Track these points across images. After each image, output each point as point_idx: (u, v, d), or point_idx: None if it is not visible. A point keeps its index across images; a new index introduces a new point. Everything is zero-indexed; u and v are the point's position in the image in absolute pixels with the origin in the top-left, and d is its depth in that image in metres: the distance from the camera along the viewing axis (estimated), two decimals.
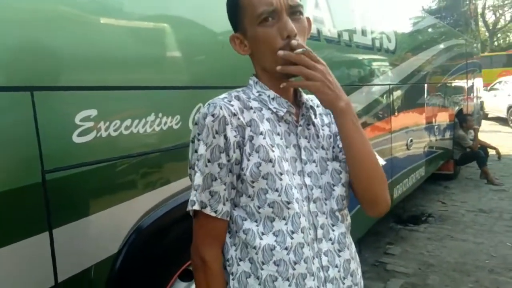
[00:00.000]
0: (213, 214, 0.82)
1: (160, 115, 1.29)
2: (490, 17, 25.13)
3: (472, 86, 6.47)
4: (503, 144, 6.74)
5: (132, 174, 1.26)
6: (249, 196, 0.82)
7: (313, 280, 0.82)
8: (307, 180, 0.85)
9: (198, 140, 0.80)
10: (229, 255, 0.86)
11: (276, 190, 0.80)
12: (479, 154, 5.42)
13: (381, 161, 0.93)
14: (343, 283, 0.86)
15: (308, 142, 0.87)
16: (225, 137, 0.79)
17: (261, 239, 0.81)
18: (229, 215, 0.84)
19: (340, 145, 0.88)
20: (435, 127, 4.58)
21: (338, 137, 0.87)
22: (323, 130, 0.90)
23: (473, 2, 7.26)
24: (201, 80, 1.47)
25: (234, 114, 0.80)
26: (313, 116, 0.89)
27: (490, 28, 24.50)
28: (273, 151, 0.80)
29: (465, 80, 6.00)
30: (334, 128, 0.91)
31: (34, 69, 1.01)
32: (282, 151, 0.83)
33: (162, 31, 1.36)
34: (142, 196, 1.28)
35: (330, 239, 0.85)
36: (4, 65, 0.96)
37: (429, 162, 4.39)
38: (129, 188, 1.25)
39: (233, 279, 0.84)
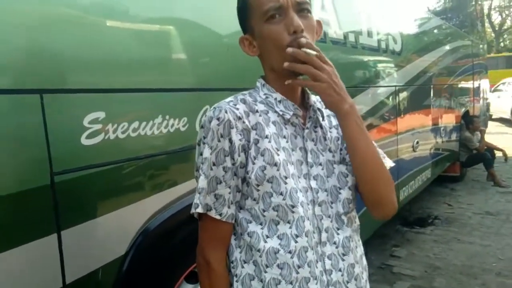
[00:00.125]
0: (218, 217, 0.82)
1: (167, 117, 1.30)
2: (496, 18, 25.03)
3: (478, 88, 6.44)
4: (509, 146, 6.67)
5: (139, 176, 1.27)
6: (254, 199, 0.82)
7: (316, 283, 0.81)
8: (313, 183, 0.84)
9: (204, 143, 0.81)
10: (233, 257, 0.86)
11: (281, 194, 0.80)
12: (485, 156, 5.39)
13: (390, 163, 0.93)
14: (347, 287, 0.85)
15: (315, 144, 0.87)
16: (230, 141, 0.79)
17: (265, 242, 0.81)
18: (234, 218, 0.84)
19: None
20: (441, 128, 4.55)
21: None
22: (330, 132, 0.90)
23: (479, 3, 7.22)
24: (207, 82, 1.48)
25: (240, 118, 0.80)
26: (320, 118, 0.89)
27: (496, 29, 24.38)
28: (278, 155, 0.80)
29: (471, 82, 5.97)
30: None
31: (43, 72, 1.02)
32: (288, 154, 0.83)
33: (169, 34, 1.36)
34: (149, 198, 1.28)
35: (335, 243, 0.85)
36: (14, 68, 0.97)
37: (435, 164, 4.37)
38: (136, 190, 1.26)
39: (237, 281, 0.84)
